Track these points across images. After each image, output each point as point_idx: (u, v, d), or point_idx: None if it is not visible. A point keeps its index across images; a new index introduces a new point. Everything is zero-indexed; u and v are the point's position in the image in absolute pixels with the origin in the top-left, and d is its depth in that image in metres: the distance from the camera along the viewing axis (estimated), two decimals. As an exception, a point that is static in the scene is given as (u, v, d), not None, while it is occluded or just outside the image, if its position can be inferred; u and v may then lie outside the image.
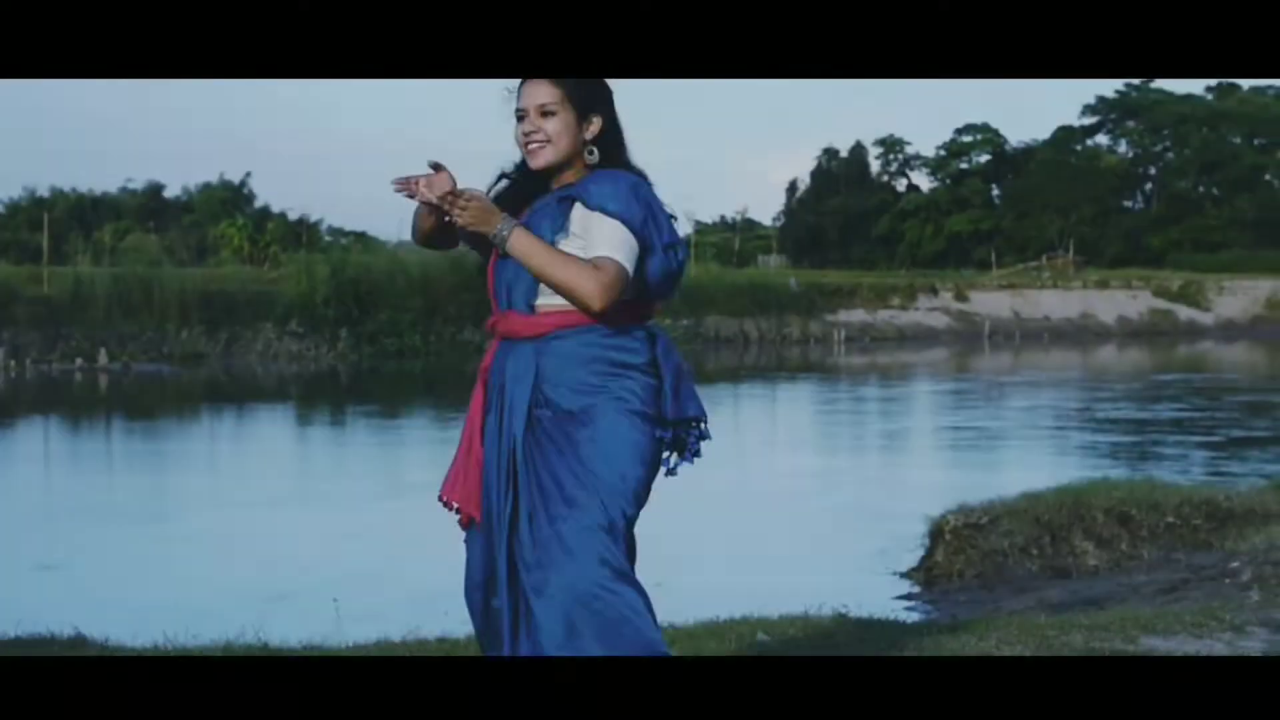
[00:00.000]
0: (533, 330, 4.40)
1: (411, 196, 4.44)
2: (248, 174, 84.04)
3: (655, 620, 4.29)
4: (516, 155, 4.55)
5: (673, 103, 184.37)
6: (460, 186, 4.37)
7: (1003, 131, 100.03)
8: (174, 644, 7.18)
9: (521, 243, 4.33)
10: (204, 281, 42.01)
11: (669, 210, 4.51)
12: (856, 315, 55.69)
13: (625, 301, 4.39)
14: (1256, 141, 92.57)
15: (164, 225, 69.38)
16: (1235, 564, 9.72)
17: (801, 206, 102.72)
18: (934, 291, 60.04)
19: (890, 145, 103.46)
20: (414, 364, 39.29)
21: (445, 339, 41.81)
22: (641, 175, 4.52)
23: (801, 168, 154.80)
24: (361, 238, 63.27)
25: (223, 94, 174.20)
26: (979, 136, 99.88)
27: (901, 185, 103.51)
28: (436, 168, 4.42)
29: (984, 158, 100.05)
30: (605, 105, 4.52)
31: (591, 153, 4.49)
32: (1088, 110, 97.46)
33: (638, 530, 4.38)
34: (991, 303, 60.59)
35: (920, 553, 11.72)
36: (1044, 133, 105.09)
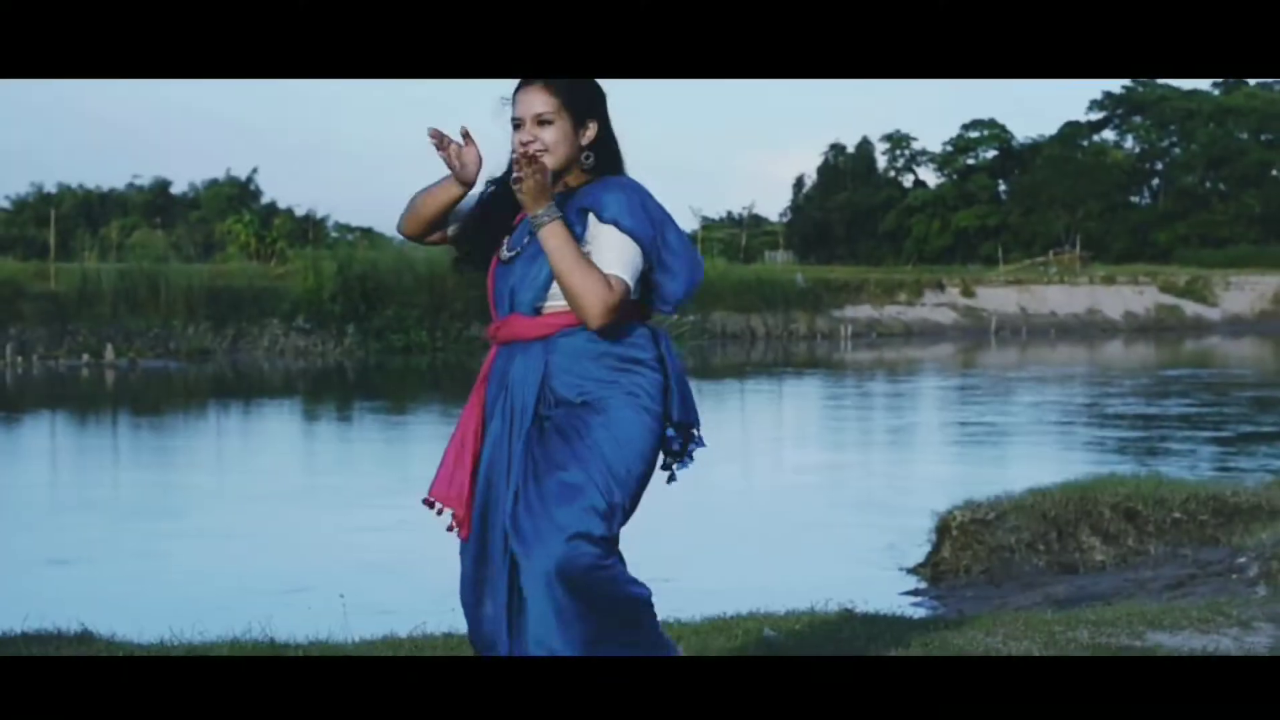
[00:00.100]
0: (540, 331, 4.41)
1: (440, 149, 4.45)
2: (254, 170, 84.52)
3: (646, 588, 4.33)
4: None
5: (680, 98, 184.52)
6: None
7: (1009, 127, 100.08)
8: (180, 640, 7.17)
9: (558, 234, 4.33)
10: (211, 277, 42.04)
11: (681, 230, 4.55)
12: (863, 311, 55.68)
13: (630, 300, 4.41)
14: (1263, 137, 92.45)
15: (171, 221, 69.51)
16: (1242, 559, 9.72)
17: (808, 202, 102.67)
18: (940, 287, 60.01)
19: (897, 141, 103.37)
20: (420, 360, 39.31)
21: (452, 335, 41.82)
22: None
23: (808, 163, 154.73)
24: (368, 234, 63.34)
25: (229, 91, 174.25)
26: (986, 132, 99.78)
27: (908, 181, 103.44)
28: (467, 138, 4.44)
29: (991, 153, 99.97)
30: (600, 110, 4.53)
31: (588, 158, 4.49)
32: (1094, 106, 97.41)
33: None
34: (998, 298, 60.56)
35: (927, 548, 11.70)
36: (1051, 128, 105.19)
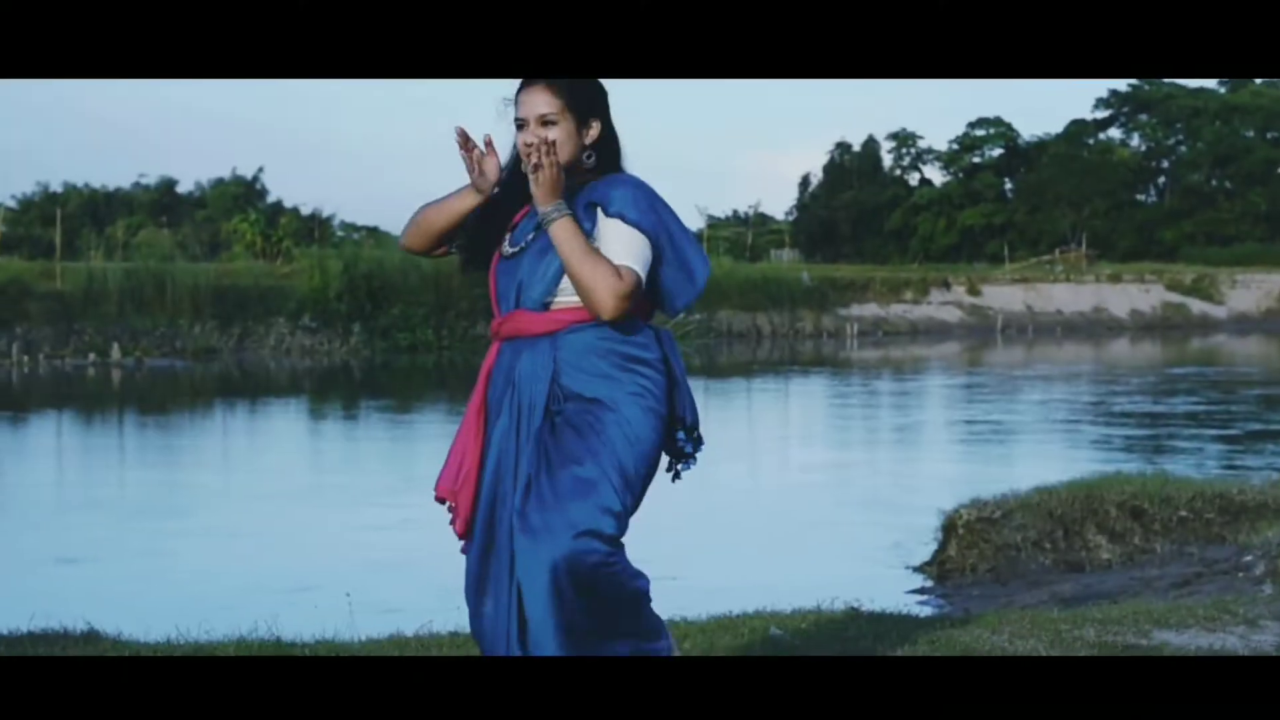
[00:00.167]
0: (548, 326, 4.40)
1: (463, 148, 4.47)
2: (260, 169, 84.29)
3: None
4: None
5: (685, 97, 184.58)
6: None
7: (1015, 125, 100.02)
8: (186, 639, 7.18)
9: (568, 228, 4.34)
10: (217, 276, 42.07)
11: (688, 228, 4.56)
12: (869, 309, 55.67)
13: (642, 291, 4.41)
14: (1270, 135, 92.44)
15: (177, 220, 69.50)
16: (1248, 558, 9.71)
17: (814, 201, 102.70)
18: (946, 285, 59.99)
19: (903, 139, 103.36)
20: (426, 359, 39.34)
21: (458, 333, 41.84)
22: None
23: (814, 162, 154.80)
24: (374, 233, 63.41)
25: (235, 90, 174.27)
26: (992, 130, 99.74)
27: (914, 179, 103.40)
28: (490, 146, 4.47)
29: (997, 152, 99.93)
30: (603, 109, 4.54)
31: (590, 156, 4.50)
32: (1100, 104, 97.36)
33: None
34: (1004, 297, 60.54)
35: (933, 547, 11.70)
36: (1057, 126, 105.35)
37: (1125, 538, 11.08)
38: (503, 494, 4.39)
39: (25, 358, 36.67)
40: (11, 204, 75.86)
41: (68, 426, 24.72)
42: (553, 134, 4.43)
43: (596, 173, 4.51)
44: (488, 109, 4.57)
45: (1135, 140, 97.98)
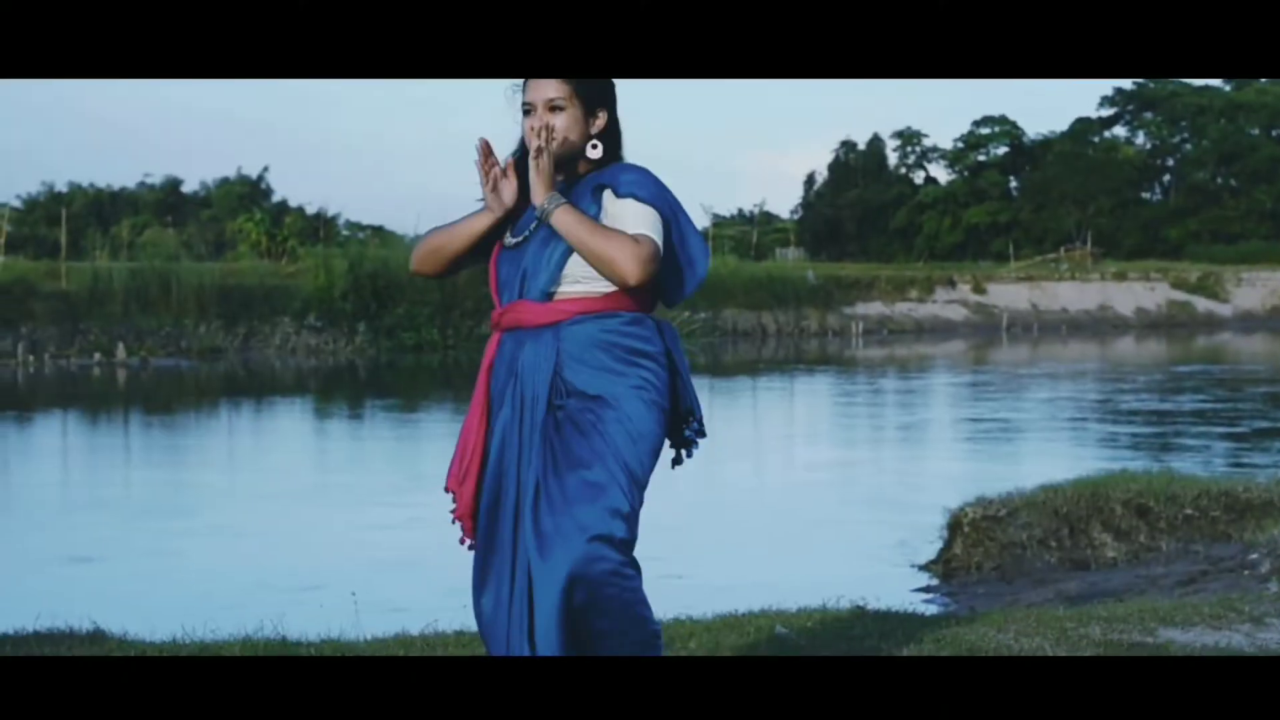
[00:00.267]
0: (550, 317, 4.40)
1: (484, 161, 4.49)
2: (265, 168, 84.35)
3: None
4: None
5: (690, 95, 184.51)
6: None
7: (1020, 124, 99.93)
8: (192, 638, 7.18)
9: (569, 211, 4.37)
10: (222, 276, 42.08)
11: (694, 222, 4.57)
12: (874, 308, 55.66)
13: (637, 290, 4.42)
14: (1275, 133, 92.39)
15: (182, 220, 69.61)
16: (1254, 556, 9.71)
17: (819, 199, 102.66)
18: (952, 284, 59.96)
19: (908, 138, 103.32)
20: (432, 358, 39.34)
21: (463, 333, 41.84)
22: None
23: (819, 160, 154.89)
24: (379, 232, 63.34)
25: (240, 89, 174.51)
26: (997, 129, 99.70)
27: (919, 178, 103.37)
28: (509, 169, 4.50)
29: (1002, 150, 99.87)
30: (610, 101, 4.57)
31: (595, 147, 4.51)
32: (1105, 102, 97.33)
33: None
34: (1009, 295, 60.52)
35: (938, 545, 11.70)
36: (1062, 125, 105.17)
37: (1131, 536, 11.08)
38: (505, 487, 4.39)
39: (30, 357, 36.69)
40: (17, 204, 75.94)
41: (73, 426, 24.74)
42: (559, 120, 4.45)
43: (600, 164, 4.52)
44: (489, 109, 4.59)
45: (1140, 138, 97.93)
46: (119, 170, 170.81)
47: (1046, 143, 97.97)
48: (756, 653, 6.63)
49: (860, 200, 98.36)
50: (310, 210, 70.55)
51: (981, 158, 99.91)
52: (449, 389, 30.85)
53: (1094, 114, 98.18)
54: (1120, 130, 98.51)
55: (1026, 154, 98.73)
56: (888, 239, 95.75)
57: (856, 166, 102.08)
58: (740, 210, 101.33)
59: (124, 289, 39.25)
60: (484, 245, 4.60)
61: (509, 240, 4.53)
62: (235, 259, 51.12)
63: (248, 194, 78.53)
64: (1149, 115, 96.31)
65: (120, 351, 37.59)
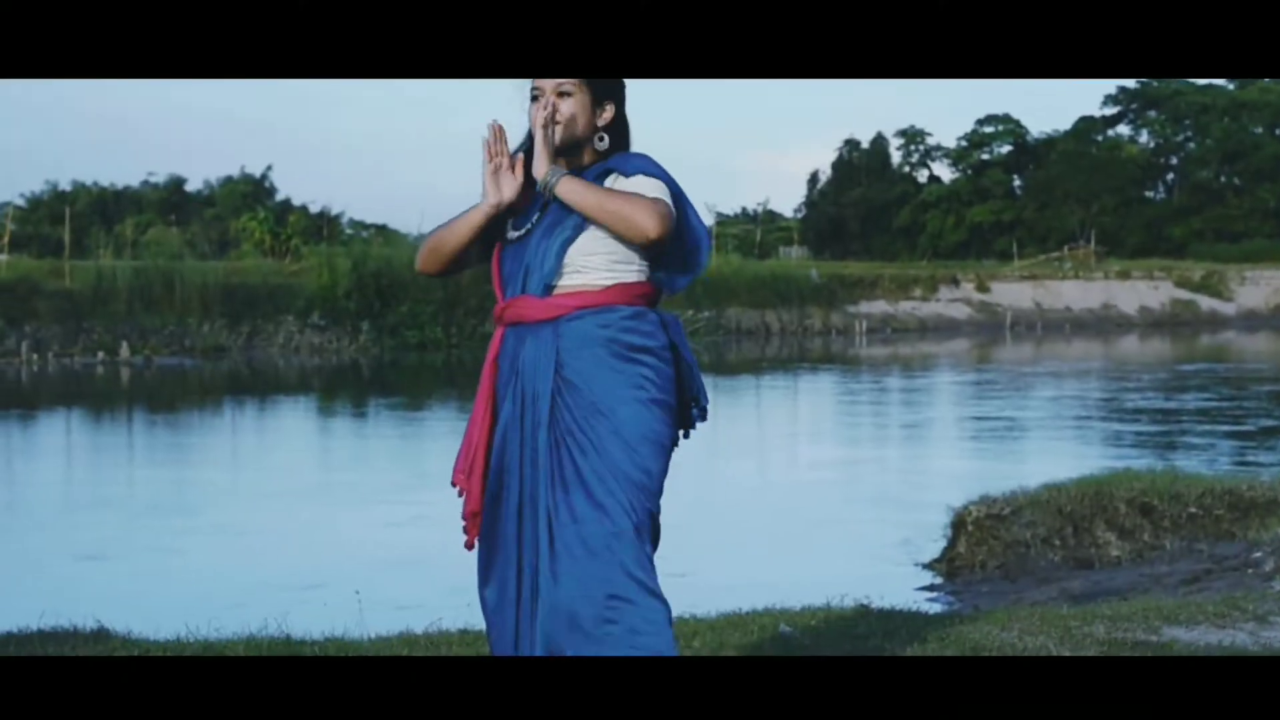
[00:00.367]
0: (550, 312, 4.39)
1: (492, 144, 4.47)
2: (269, 167, 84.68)
3: (671, 635, 4.27)
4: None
5: (693, 93, 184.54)
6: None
7: (1024, 122, 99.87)
8: (196, 636, 7.18)
9: (574, 181, 4.37)
10: (225, 275, 42.10)
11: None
12: (878, 306, 55.64)
13: (638, 283, 4.41)
14: (1278, 131, 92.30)
15: (185, 219, 69.59)
16: (1258, 554, 9.71)
17: (823, 198, 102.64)
18: (955, 282, 59.94)
19: (911, 136, 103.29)
20: (435, 356, 39.35)
21: (466, 331, 41.84)
22: None
23: (822, 159, 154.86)
24: (383, 230, 63.46)
25: (244, 88, 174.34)
26: (1000, 127, 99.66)
27: (923, 176, 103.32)
28: (515, 165, 4.48)
29: (1005, 148, 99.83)
30: (619, 94, 4.57)
31: (602, 139, 4.51)
32: (1109, 101, 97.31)
33: (660, 523, 4.38)
34: (1013, 293, 60.50)
35: (942, 543, 11.70)
36: (1065, 123, 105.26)
37: (1135, 534, 11.08)
38: (507, 485, 4.39)
39: (34, 356, 36.71)
40: (20, 202, 76.02)
41: (77, 425, 24.74)
42: (566, 105, 4.46)
43: (606, 156, 4.52)
44: (491, 108, 4.59)
45: (1144, 137, 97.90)
46: (123, 169, 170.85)
47: (1050, 141, 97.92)
48: (760, 652, 6.64)
49: (864, 199, 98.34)
50: (314, 209, 70.69)
51: (985, 156, 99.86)
52: (453, 387, 30.85)
53: (1097, 113, 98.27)
54: (1124, 129, 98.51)
55: (1030, 152, 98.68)
56: (891, 238, 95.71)
57: (860, 165, 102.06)
58: (744, 209, 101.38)
59: (128, 288, 39.28)
60: (487, 241, 4.59)
61: (511, 234, 4.52)
62: (239, 258, 51.13)
63: (251, 193, 78.54)
64: (1153, 114, 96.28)
65: (124, 350, 37.61)
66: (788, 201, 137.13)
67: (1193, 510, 11.11)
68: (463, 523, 4.51)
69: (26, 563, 12.52)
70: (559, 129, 4.42)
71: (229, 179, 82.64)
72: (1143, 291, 63.86)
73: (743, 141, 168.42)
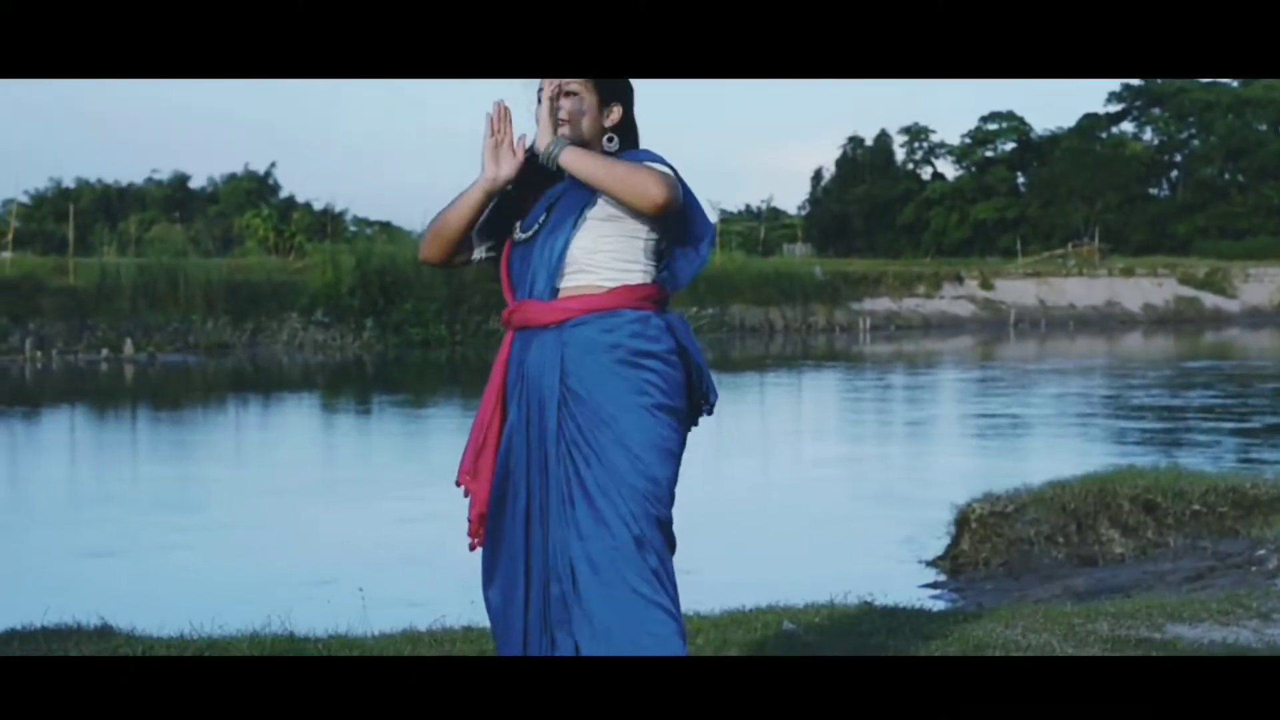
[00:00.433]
0: (554, 316, 4.37)
1: (495, 124, 4.44)
2: (273, 164, 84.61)
3: (680, 646, 4.26)
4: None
5: (697, 91, 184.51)
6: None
7: (1028, 119, 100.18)
8: (200, 633, 7.18)
9: (578, 152, 4.36)
10: (229, 272, 42.12)
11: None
12: (882, 304, 55.65)
13: (643, 285, 4.40)
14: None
15: (189, 216, 69.73)
16: (1262, 551, 9.70)
17: (826, 195, 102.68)
18: (959, 280, 59.95)
19: (915, 134, 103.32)
20: (439, 354, 39.35)
21: (470, 328, 41.85)
22: None
23: (826, 156, 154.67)
24: (386, 228, 63.45)
25: (247, 85, 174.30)
26: (1004, 124, 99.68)
27: (927, 173, 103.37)
28: (520, 148, 4.46)
29: (1009, 145, 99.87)
30: (626, 97, 4.56)
31: (610, 140, 4.50)
32: (1113, 98, 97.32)
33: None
34: (1017, 291, 60.51)
35: (946, 541, 11.69)
36: (1069, 120, 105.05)
37: (1138, 532, 11.07)
38: (514, 489, 4.38)
39: (38, 353, 36.72)
40: (25, 200, 76.07)
41: (81, 422, 24.74)
42: (571, 104, 4.46)
43: (616, 157, 4.50)
44: (510, 102, 4.57)
45: (1148, 134, 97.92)
46: (127, 167, 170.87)
47: (1054, 139, 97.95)
48: (764, 649, 6.64)
49: (868, 196, 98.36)
50: (318, 206, 70.73)
51: (989, 154, 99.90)
52: (456, 384, 30.86)
53: (1101, 110, 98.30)
54: (1128, 126, 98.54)
55: (1034, 150, 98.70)
56: (895, 235, 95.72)
57: (864, 162, 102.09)
58: (748, 206, 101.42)
59: (132, 285, 39.31)
60: (488, 232, 4.58)
61: (518, 236, 4.51)
62: (243, 255, 51.19)
63: (255, 190, 78.65)
64: (1156, 111, 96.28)
65: (128, 347, 37.62)
66: (792, 199, 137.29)
67: (1196, 508, 11.10)
68: (468, 523, 4.51)
69: (30, 560, 12.52)
70: (565, 109, 4.41)
71: (233, 176, 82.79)
72: (1147, 289, 63.86)
73: (746, 139, 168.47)
